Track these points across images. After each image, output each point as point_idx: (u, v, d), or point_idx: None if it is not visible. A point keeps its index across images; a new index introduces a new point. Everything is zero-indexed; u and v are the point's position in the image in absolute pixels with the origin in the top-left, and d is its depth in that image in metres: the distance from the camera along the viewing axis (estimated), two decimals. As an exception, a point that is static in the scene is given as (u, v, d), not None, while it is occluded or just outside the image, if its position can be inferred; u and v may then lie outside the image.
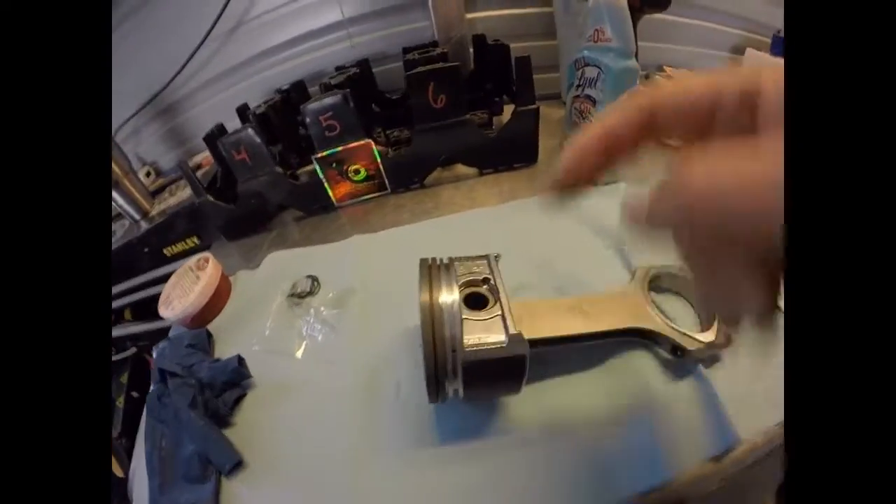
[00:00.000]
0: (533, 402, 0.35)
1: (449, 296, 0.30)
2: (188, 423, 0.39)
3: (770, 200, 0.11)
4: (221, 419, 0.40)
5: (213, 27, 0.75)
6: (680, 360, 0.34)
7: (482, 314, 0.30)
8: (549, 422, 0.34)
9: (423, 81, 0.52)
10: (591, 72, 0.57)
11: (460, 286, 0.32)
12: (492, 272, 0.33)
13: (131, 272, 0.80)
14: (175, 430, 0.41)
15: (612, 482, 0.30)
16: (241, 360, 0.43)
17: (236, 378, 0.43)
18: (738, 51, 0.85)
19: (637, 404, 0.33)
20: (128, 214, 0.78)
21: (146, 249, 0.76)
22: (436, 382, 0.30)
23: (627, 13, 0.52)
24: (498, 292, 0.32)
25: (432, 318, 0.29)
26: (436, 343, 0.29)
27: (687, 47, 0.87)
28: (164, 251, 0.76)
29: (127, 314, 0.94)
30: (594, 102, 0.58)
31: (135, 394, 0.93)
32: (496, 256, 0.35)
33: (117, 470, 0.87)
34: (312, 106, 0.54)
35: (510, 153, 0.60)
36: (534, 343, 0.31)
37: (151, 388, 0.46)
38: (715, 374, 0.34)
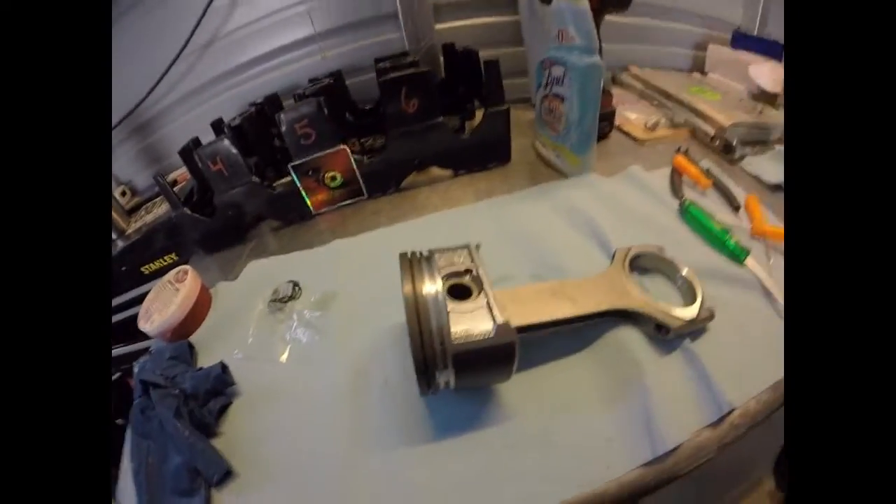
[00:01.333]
0: (526, 387, 0.35)
1: (432, 287, 0.31)
2: (174, 434, 0.39)
3: None
4: (207, 429, 0.40)
5: (187, 42, 0.75)
6: (665, 336, 0.35)
7: (467, 304, 0.31)
8: (543, 406, 0.34)
9: (396, 87, 0.54)
10: (557, 70, 0.59)
11: (443, 277, 0.32)
12: (473, 262, 0.34)
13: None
14: (161, 444, 0.40)
15: (613, 458, 0.30)
16: (224, 367, 0.43)
17: (220, 386, 0.42)
18: (701, 47, 0.89)
19: (629, 381, 0.34)
20: (103, 234, 0.77)
21: (123, 268, 0.74)
22: (426, 374, 0.30)
23: (589, 12, 0.54)
24: (482, 282, 0.32)
25: (417, 311, 0.30)
26: (423, 335, 0.29)
27: (652, 46, 0.91)
28: (143, 269, 0.74)
29: (105, 336, 0.92)
30: (562, 99, 0.60)
31: (119, 421, 0.90)
32: (476, 246, 0.36)
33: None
34: (287, 114, 0.55)
35: (484, 153, 0.62)
36: (522, 329, 0.31)
37: (134, 402, 0.45)
38: (701, 346, 0.35)
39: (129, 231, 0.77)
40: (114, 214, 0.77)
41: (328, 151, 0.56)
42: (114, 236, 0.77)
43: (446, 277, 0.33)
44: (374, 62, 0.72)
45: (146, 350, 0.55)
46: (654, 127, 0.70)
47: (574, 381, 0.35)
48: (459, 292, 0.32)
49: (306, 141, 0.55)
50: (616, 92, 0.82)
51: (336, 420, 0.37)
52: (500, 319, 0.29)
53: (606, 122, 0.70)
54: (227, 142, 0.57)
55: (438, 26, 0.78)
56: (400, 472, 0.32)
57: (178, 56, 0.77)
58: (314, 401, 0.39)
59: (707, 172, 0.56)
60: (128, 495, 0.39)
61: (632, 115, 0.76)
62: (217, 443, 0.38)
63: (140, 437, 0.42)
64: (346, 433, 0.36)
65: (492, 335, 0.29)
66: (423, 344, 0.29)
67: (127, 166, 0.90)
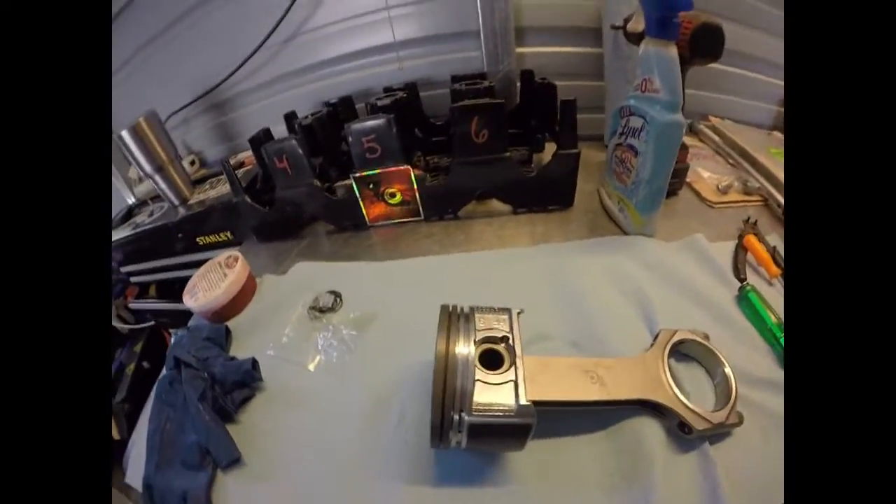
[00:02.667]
0: (534, 457, 0.34)
1: (465, 349, 0.30)
2: (195, 415, 0.41)
3: None
4: (227, 416, 0.42)
5: (271, 33, 0.78)
6: (687, 435, 0.34)
7: (496, 376, 0.30)
8: (546, 478, 0.34)
9: (468, 115, 0.53)
10: (635, 122, 0.56)
11: (478, 342, 0.32)
12: (511, 330, 0.33)
13: (162, 253, 0.83)
14: (181, 416, 0.43)
15: None
16: (255, 363, 0.44)
17: (247, 379, 0.44)
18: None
19: (637, 473, 0.32)
20: (167, 199, 0.82)
21: (180, 234, 0.78)
22: (440, 432, 0.30)
23: (677, 64, 0.50)
24: (515, 355, 0.32)
25: (445, 371, 0.29)
26: (445, 397, 0.29)
27: (733, 98, 0.86)
28: (198, 240, 0.78)
29: (152, 290, 0.98)
30: (636, 153, 0.57)
31: (145, 364, 0.96)
32: (519, 312, 0.35)
33: (115, 432, 0.89)
34: (356, 126, 0.55)
35: (547, 194, 0.61)
36: (545, 404, 0.31)
37: (163, 372, 0.48)
38: (720, 451, 0.33)
39: (192, 201, 0.81)
40: (179, 182, 0.81)
41: (391, 168, 0.57)
42: (176, 202, 0.81)
43: (482, 341, 0.32)
44: (451, 80, 0.72)
45: (183, 311, 0.58)
46: (725, 190, 0.66)
47: (582, 460, 0.34)
48: (492, 359, 0.32)
49: (372, 155, 0.56)
50: (691, 143, 0.78)
51: (346, 441, 0.38)
52: (523, 400, 0.29)
53: (678, 180, 0.66)
54: (294, 142, 0.58)
55: (520, 50, 0.76)
56: (394, 505, 0.33)
57: (260, 45, 0.80)
58: (331, 416, 0.40)
59: (776, 254, 0.51)
60: (139, 448, 0.42)
61: (705, 172, 0.71)
62: (233, 430, 0.40)
63: (163, 403, 0.45)
64: (352, 455, 0.37)
65: (512, 414, 0.29)
66: (443, 405, 0.29)
67: (200, 138, 0.95)
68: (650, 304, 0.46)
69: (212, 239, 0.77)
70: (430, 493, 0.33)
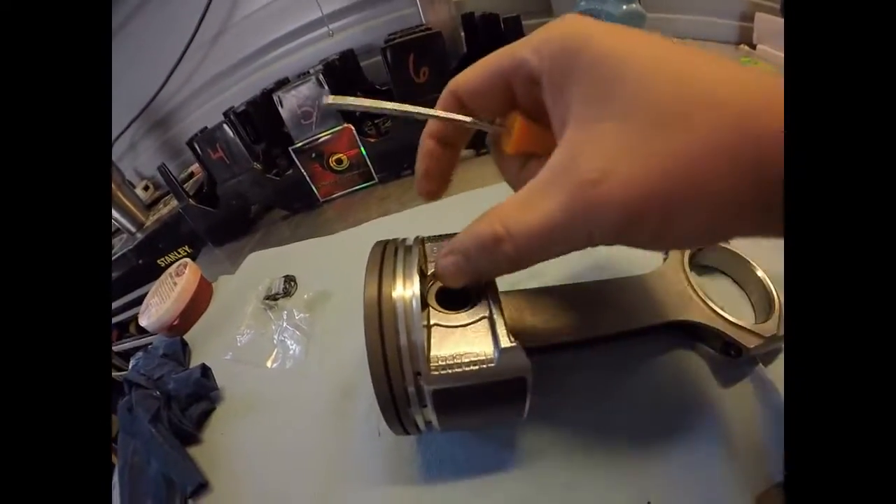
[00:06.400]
0: (544, 425, 0.26)
1: (406, 288, 0.22)
2: (151, 440, 0.36)
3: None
4: (187, 436, 0.36)
5: (194, 34, 0.73)
6: (735, 359, 0.26)
7: (460, 316, 0.22)
8: (567, 451, 0.25)
9: (402, 53, 0.47)
10: (590, 29, 0.51)
11: (430, 276, 0.24)
12: None
13: (130, 286, 0.78)
14: (144, 445, 0.37)
15: None
16: (205, 370, 0.39)
17: (201, 391, 0.39)
18: (748, 18, 0.76)
19: (684, 422, 0.25)
20: (123, 227, 0.77)
21: (140, 261, 0.73)
22: (395, 413, 0.22)
23: None
24: (487, 283, 0.23)
25: (381, 322, 0.21)
26: (388, 360, 0.21)
27: (694, 16, 0.79)
28: (159, 261, 0.73)
29: (132, 327, 0.93)
30: (597, 63, 0.51)
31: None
32: None
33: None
34: (284, 92, 0.50)
35: (509, 128, 0.54)
36: (540, 350, 0.22)
37: (122, 399, 0.42)
38: (777, 373, 0.25)
39: (147, 224, 0.76)
40: (132, 207, 0.76)
41: (330, 131, 0.51)
42: (133, 230, 0.76)
43: (435, 276, 0.24)
44: (386, 37, 0.66)
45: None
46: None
47: (610, 423, 0.26)
48: (455, 299, 0.23)
49: (306, 121, 0.50)
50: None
51: (316, 444, 0.31)
52: (504, 342, 0.20)
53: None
54: (225, 127, 0.53)
55: (459, -2, 0.71)
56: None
57: (185, 49, 0.75)
58: (294, 418, 0.34)
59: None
60: (117, 493, 0.37)
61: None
62: (198, 451, 0.35)
63: (128, 435, 0.39)
64: (322, 460, 0.30)
65: (493, 364, 0.20)
66: (387, 372, 0.21)
67: (150, 161, 0.90)
68: None
69: (172, 257, 0.72)
70: (418, 493, 0.26)
